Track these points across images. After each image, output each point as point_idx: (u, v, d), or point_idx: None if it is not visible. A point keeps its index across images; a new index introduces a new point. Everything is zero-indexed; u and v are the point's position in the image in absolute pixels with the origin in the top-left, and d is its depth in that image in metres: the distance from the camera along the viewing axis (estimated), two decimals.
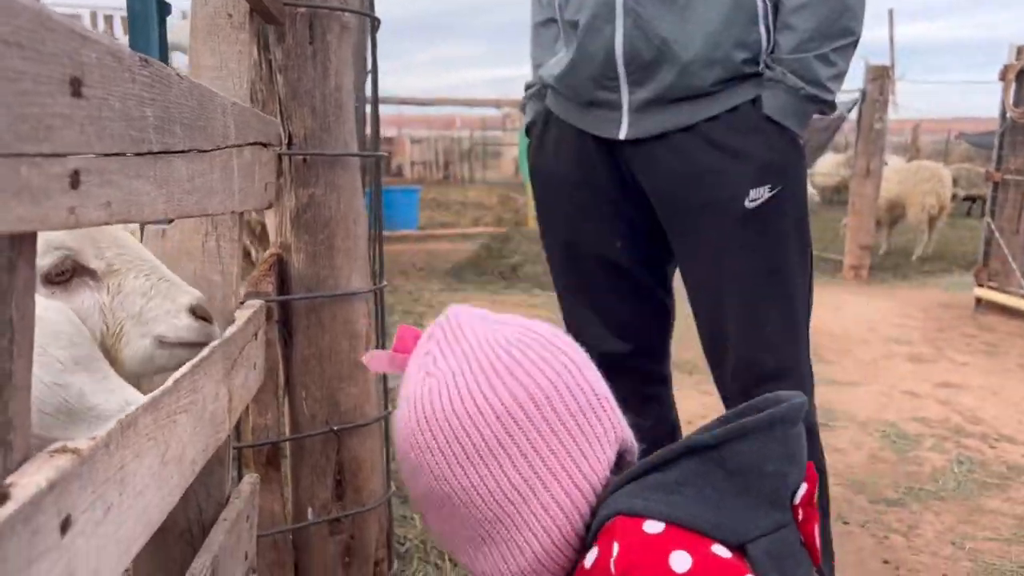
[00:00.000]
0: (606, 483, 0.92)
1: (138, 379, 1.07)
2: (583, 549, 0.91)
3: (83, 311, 1.01)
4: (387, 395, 1.53)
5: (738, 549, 0.83)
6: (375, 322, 1.48)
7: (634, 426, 2.23)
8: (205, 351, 0.90)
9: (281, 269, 1.41)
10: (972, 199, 13.29)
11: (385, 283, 1.49)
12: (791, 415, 0.89)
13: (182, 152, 0.72)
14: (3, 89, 0.41)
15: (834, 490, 3.05)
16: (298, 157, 1.36)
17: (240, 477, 1.37)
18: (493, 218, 11.68)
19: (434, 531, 0.99)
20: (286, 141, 1.35)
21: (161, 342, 1.04)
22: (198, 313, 1.05)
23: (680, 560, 0.79)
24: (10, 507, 0.46)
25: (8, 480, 0.49)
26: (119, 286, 1.04)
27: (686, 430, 2.33)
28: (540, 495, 0.90)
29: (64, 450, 0.54)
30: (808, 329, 1.94)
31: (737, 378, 1.87)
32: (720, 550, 0.81)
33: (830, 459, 3.43)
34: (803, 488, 0.89)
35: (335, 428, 1.43)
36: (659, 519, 0.83)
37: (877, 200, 8.27)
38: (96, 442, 0.58)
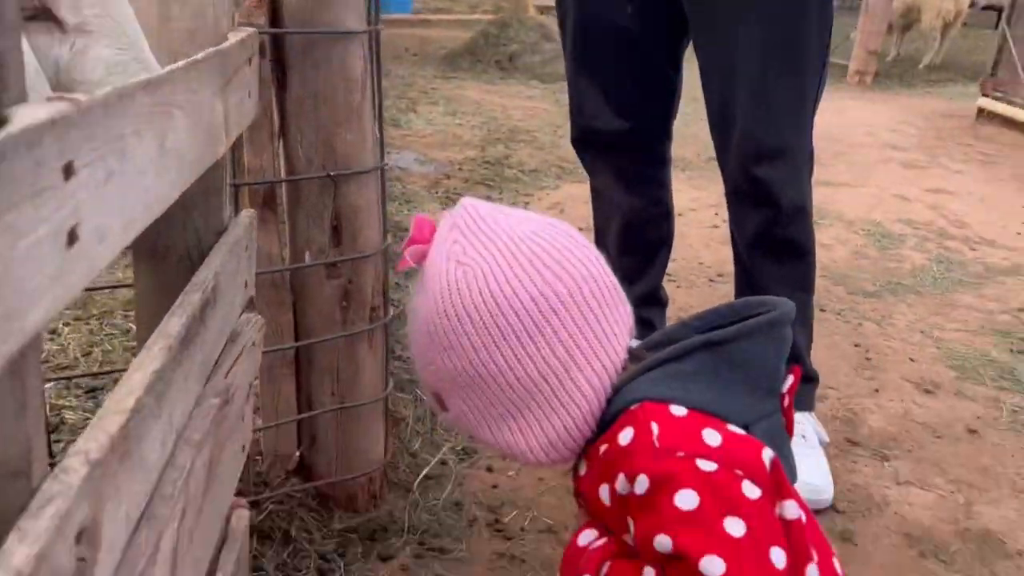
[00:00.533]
0: (624, 368, 1.02)
1: None
2: (598, 431, 1.01)
3: (33, 55, 0.91)
4: (383, 147, 1.52)
5: (744, 430, 0.95)
6: (371, 66, 1.44)
7: (630, 207, 2.24)
8: (199, 55, 0.88)
9: (273, 3, 1.35)
10: (993, 8, 12.73)
11: (381, 25, 1.44)
12: (786, 319, 1.01)
13: None
14: None
15: (816, 282, 3.14)
16: None
17: (237, 208, 1.38)
18: (491, 4, 11.15)
19: (452, 413, 1.07)
20: None
21: None
22: None
23: (711, 436, 0.91)
24: (12, 128, 0.46)
25: (6, 111, 0.48)
26: (85, 48, 0.94)
27: (678, 221, 2.35)
28: (573, 375, 0.99)
29: (61, 98, 0.54)
30: (814, 112, 1.91)
31: (738, 154, 1.86)
32: (736, 429, 0.94)
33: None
34: (789, 380, 1.03)
35: (332, 174, 1.42)
36: (682, 404, 0.94)
37: (892, 3, 7.92)
38: (94, 99, 0.57)
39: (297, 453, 1.64)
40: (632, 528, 0.93)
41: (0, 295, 0.45)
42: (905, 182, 4.76)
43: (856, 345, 2.72)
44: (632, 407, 0.96)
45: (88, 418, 1.81)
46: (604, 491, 0.98)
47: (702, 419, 0.94)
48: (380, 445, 1.69)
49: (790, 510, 0.94)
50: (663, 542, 0.87)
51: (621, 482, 0.94)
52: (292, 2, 1.34)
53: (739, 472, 0.89)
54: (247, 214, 1.25)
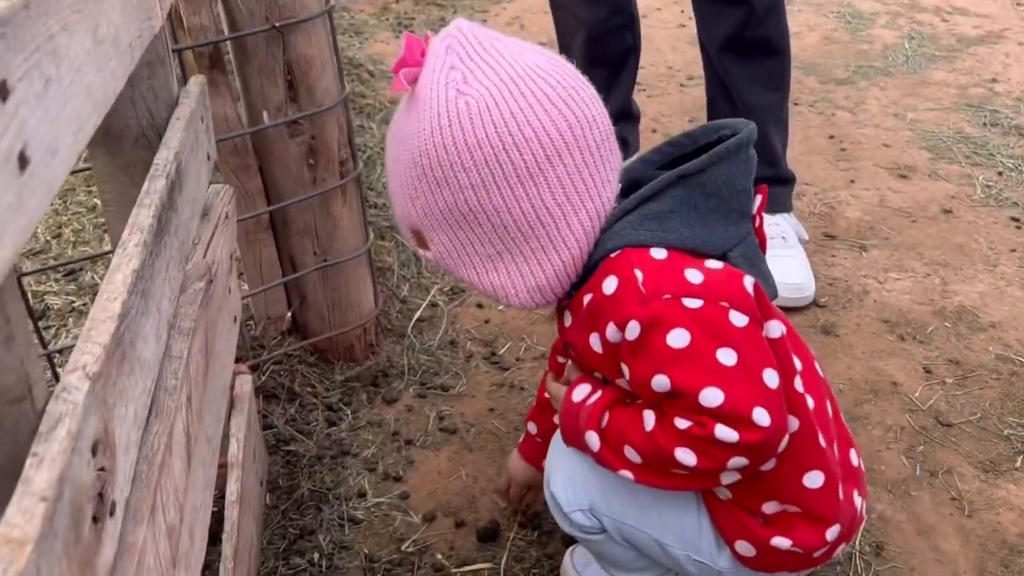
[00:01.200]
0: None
1: None
2: (581, 277, 0.99)
3: None
4: None
5: (722, 258, 0.96)
6: None
7: (593, 19, 2.16)
8: None
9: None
10: None
11: None
12: (749, 139, 0.98)
13: None
14: None
15: None
16: None
17: (185, 76, 1.31)
18: None
19: (434, 252, 1.02)
20: None
21: None
22: None
23: (693, 275, 0.91)
24: None
25: None
26: None
27: (642, 24, 2.26)
28: (569, 218, 0.95)
29: None
30: None
31: None
32: (713, 263, 0.94)
33: None
34: (758, 200, 1.02)
35: (277, 24, 1.34)
36: (661, 246, 0.93)
37: None
38: (13, 3, 0.51)
39: (289, 313, 1.66)
40: (627, 373, 0.95)
41: None
42: None
43: (831, 137, 2.71)
44: (613, 255, 0.95)
45: (72, 301, 1.81)
46: (595, 340, 0.99)
47: (683, 259, 0.94)
48: (369, 296, 1.71)
49: (773, 329, 0.98)
50: (661, 382, 0.90)
51: (611, 330, 0.94)
52: None
53: (724, 304, 0.90)
54: (196, 81, 1.19)
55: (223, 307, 1.18)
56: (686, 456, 0.90)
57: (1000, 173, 2.49)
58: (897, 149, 2.63)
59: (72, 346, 1.59)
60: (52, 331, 1.72)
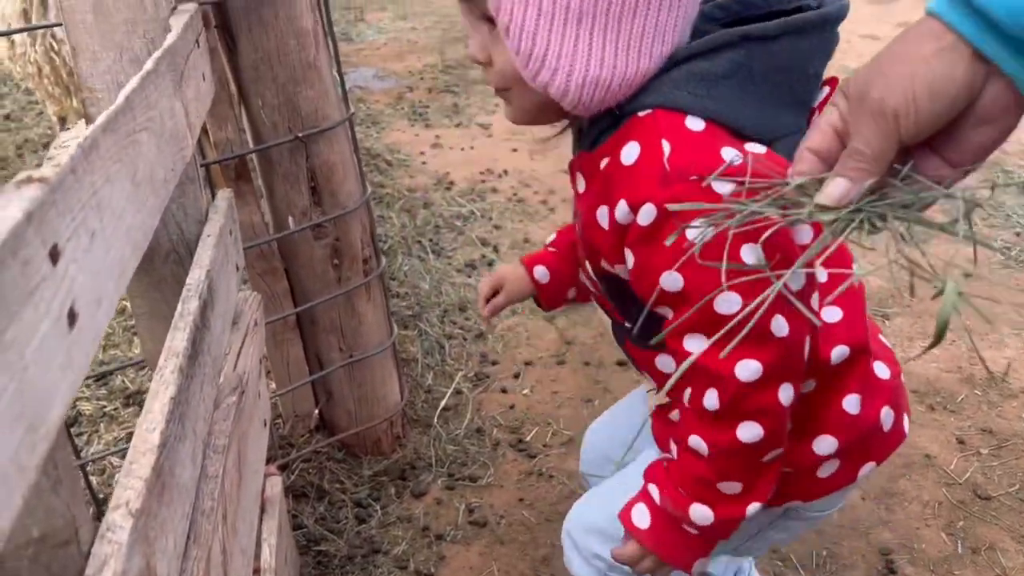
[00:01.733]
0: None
1: None
2: (607, 126, 0.86)
3: None
4: (346, 97, 1.47)
5: (767, 146, 0.82)
6: (321, 14, 1.38)
7: None
8: (149, 63, 0.84)
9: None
10: None
11: None
12: (839, 16, 0.84)
13: None
14: None
15: None
16: None
17: (213, 195, 1.36)
18: None
19: (509, 13, 0.82)
20: None
21: None
22: None
23: (730, 155, 0.78)
24: None
25: None
26: None
27: None
28: (670, 24, 0.81)
29: (30, 180, 0.51)
30: None
31: None
32: (755, 147, 0.81)
33: None
34: (824, 92, 0.87)
35: (300, 135, 1.39)
36: (700, 115, 0.81)
37: None
38: (62, 168, 0.54)
39: (316, 411, 1.67)
40: (630, 262, 0.85)
41: (20, 410, 0.45)
42: (874, 19, 4.66)
43: None
44: (642, 114, 0.82)
45: (103, 406, 1.83)
46: (602, 214, 0.87)
47: (722, 136, 0.80)
48: (395, 388, 1.72)
49: (803, 234, 0.85)
50: (672, 281, 0.79)
51: (622, 209, 0.83)
52: None
53: None
54: (224, 196, 1.22)
55: (254, 415, 1.19)
56: (750, 430, 0.82)
57: (1018, 234, 2.50)
58: None
59: (104, 454, 1.60)
60: (84, 437, 1.73)
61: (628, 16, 0.80)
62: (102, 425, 1.75)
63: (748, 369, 0.80)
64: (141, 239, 0.72)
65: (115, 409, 1.78)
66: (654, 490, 0.92)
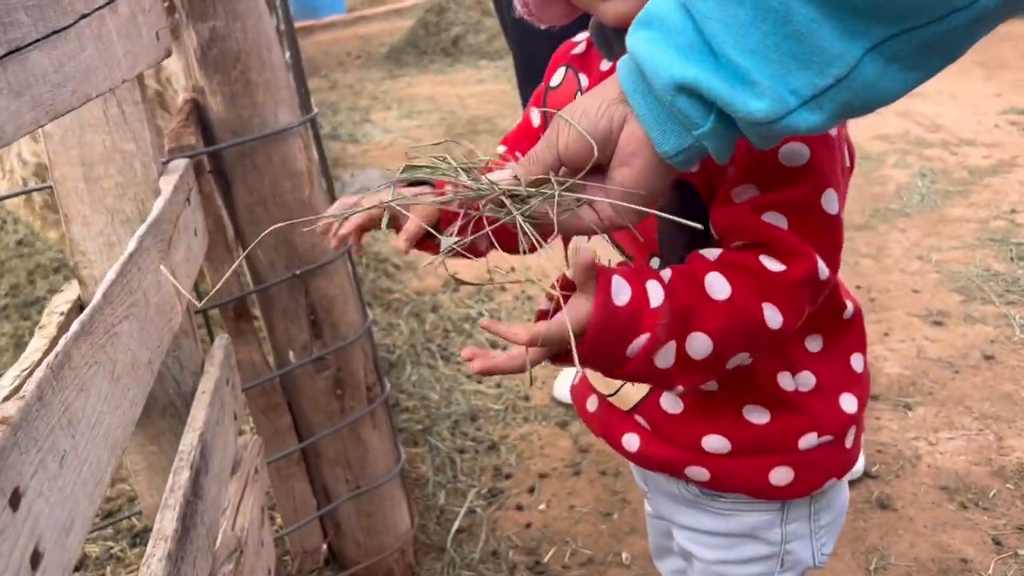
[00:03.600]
0: None
1: None
2: None
3: None
4: None
5: None
6: (313, 153, 1.39)
7: None
8: (132, 243, 0.83)
9: (200, 115, 1.30)
10: None
11: (316, 111, 1.38)
12: None
13: (36, 43, 0.61)
14: None
15: None
16: None
17: (212, 336, 1.35)
18: None
19: None
20: None
21: None
22: None
23: None
24: None
25: None
26: None
27: None
28: None
29: None
30: None
31: None
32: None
33: None
34: None
35: (298, 272, 1.38)
36: None
37: None
38: (26, 401, 0.53)
39: (324, 545, 1.62)
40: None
41: None
42: None
43: (857, 287, 2.69)
44: None
45: (110, 547, 1.79)
46: None
47: None
48: (405, 515, 1.67)
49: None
50: (798, 150, 0.76)
51: None
52: (220, 112, 1.28)
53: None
54: (221, 344, 1.21)
55: (256, 568, 1.16)
56: (774, 315, 0.75)
57: None
58: (927, 294, 2.61)
59: None
60: None
61: None
62: (108, 568, 1.71)
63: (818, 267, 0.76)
64: (121, 437, 0.70)
65: (122, 550, 1.75)
66: (658, 303, 0.74)
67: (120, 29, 0.86)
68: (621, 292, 0.72)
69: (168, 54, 1.08)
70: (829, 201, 0.78)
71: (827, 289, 0.79)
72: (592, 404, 1.04)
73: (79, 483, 0.59)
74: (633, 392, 0.96)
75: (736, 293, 0.75)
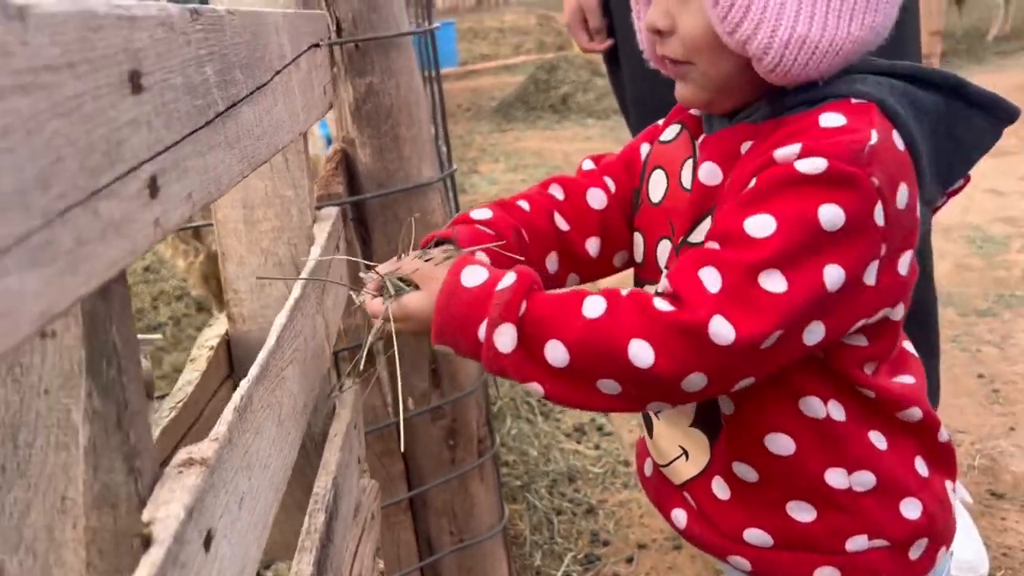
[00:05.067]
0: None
1: None
2: (800, 86, 0.81)
3: None
4: None
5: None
6: (449, 208, 1.42)
7: None
8: (296, 290, 0.86)
9: (348, 165, 1.35)
10: None
11: (455, 167, 1.42)
12: (1014, 117, 0.86)
13: (246, 98, 0.65)
14: (65, 126, 0.34)
15: None
16: (350, 45, 1.26)
17: (339, 377, 1.38)
18: (535, 43, 11.20)
19: None
20: (334, 28, 1.24)
21: None
22: None
23: (903, 194, 0.77)
24: (156, 552, 0.44)
25: (145, 516, 0.47)
26: None
27: None
28: None
29: (191, 463, 0.52)
30: None
31: None
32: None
33: None
34: (959, 183, 0.88)
35: None
36: (904, 138, 0.78)
37: None
38: (220, 442, 0.55)
39: None
40: (723, 211, 0.78)
41: None
42: (996, 173, 4.53)
43: (980, 376, 2.57)
44: (855, 99, 0.78)
45: None
46: (707, 170, 0.84)
47: (912, 166, 0.79)
48: (504, 573, 1.66)
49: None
50: (764, 222, 0.72)
51: (782, 153, 0.74)
52: (367, 163, 1.33)
53: (891, 251, 0.77)
54: (351, 388, 1.24)
55: None
56: (640, 352, 0.72)
57: None
58: None
59: None
60: None
61: None
62: None
63: (722, 324, 0.72)
64: (281, 479, 0.72)
65: None
66: (508, 284, 0.77)
67: (300, 84, 0.90)
68: (473, 275, 0.78)
69: (331, 107, 1.13)
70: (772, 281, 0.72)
71: (738, 354, 0.72)
72: (648, 468, 1.03)
73: (251, 526, 0.61)
74: (684, 468, 0.94)
75: (604, 318, 0.74)
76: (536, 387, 0.77)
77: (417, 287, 0.82)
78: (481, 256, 0.87)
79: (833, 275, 0.72)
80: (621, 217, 1.00)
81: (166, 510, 0.47)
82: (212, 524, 0.51)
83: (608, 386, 0.75)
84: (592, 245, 0.99)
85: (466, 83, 8.99)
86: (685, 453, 0.93)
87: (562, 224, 0.97)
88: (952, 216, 3.93)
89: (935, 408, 1.91)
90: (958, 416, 2.35)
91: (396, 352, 0.81)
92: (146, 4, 0.45)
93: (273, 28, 0.77)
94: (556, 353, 0.74)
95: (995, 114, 0.84)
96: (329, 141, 2.61)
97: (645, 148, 1.00)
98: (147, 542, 0.45)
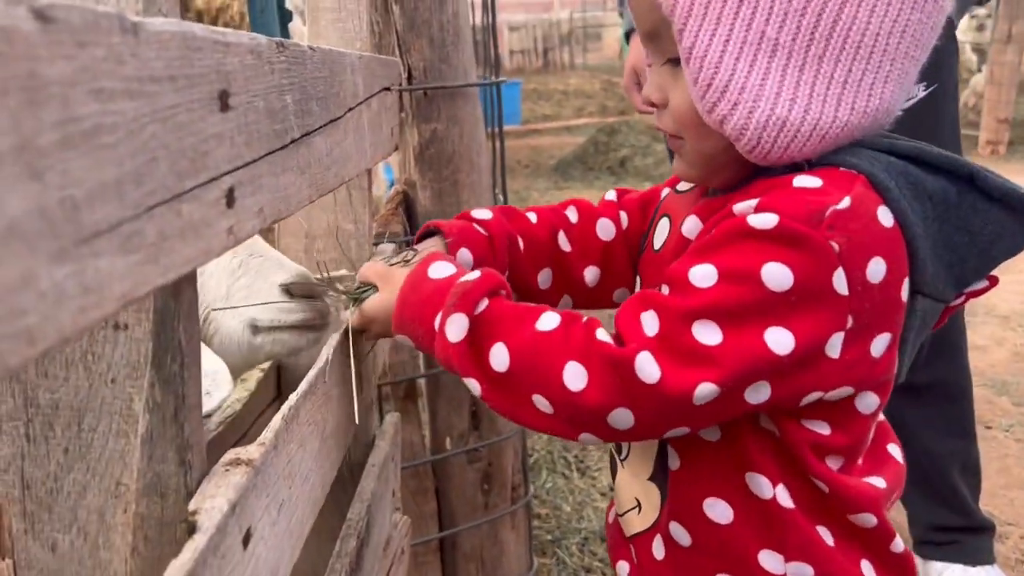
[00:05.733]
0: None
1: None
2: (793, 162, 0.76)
3: None
4: None
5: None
6: None
7: None
8: (350, 316, 0.90)
9: (408, 206, 1.39)
10: None
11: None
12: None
13: (320, 129, 0.69)
14: (161, 131, 0.38)
15: (975, 391, 2.92)
16: (418, 92, 1.32)
17: (381, 410, 1.40)
18: (597, 107, 11.37)
19: (692, 35, 0.74)
20: (405, 75, 1.30)
21: (255, 327, 0.94)
22: (295, 292, 0.94)
23: (877, 267, 0.72)
24: (200, 539, 0.46)
25: (192, 506, 0.49)
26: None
27: None
28: (891, 61, 0.74)
29: (238, 462, 0.54)
30: None
31: None
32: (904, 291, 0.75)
33: (969, 356, 3.27)
34: (983, 284, 0.81)
35: None
36: (894, 215, 0.73)
37: (1020, 67, 7.58)
38: (266, 447, 0.57)
39: None
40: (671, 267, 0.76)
41: None
42: None
43: None
44: (844, 167, 0.74)
45: None
46: (689, 223, 0.82)
47: (901, 246, 0.73)
48: None
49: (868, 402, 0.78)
50: (706, 272, 0.70)
51: (740, 207, 0.73)
52: (426, 206, 1.38)
53: (860, 327, 0.71)
54: (391, 421, 1.26)
55: None
56: (574, 375, 0.72)
57: None
58: None
59: None
60: None
61: (831, 58, 0.73)
62: None
63: (648, 362, 0.71)
64: (320, 494, 0.74)
65: None
66: (472, 279, 0.78)
67: (370, 123, 0.95)
68: (440, 269, 0.80)
69: (396, 148, 1.18)
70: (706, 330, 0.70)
71: (666, 400, 0.70)
72: (612, 515, 1.00)
73: (287, 533, 0.63)
74: (635, 520, 0.91)
75: (553, 334, 0.74)
76: (475, 385, 0.76)
77: (377, 289, 0.85)
78: (464, 257, 0.90)
79: (780, 339, 0.69)
80: (625, 253, 1.01)
81: (212, 503, 0.50)
82: (252, 523, 0.54)
83: (541, 403, 0.74)
84: (590, 273, 1.00)
85: (527, 141, 9.15)
86: (639, 506, 0.91)
87: (564, 244, 0.99)
88: (1011, 304, 3.84)
89: (978, 492, 1.88)
90: (1008, 508, 2.27)
91: (353, 361, 0.82)
92: (238, 32, 0.50)
93: (349, 68, 0.82)
94: (499, 357, 0.75)
95: (1019, 211, 0.77)
96: (392, 185, 2.69)
97: (665, 192, 0.99)
98: (192, 529, 0.47)
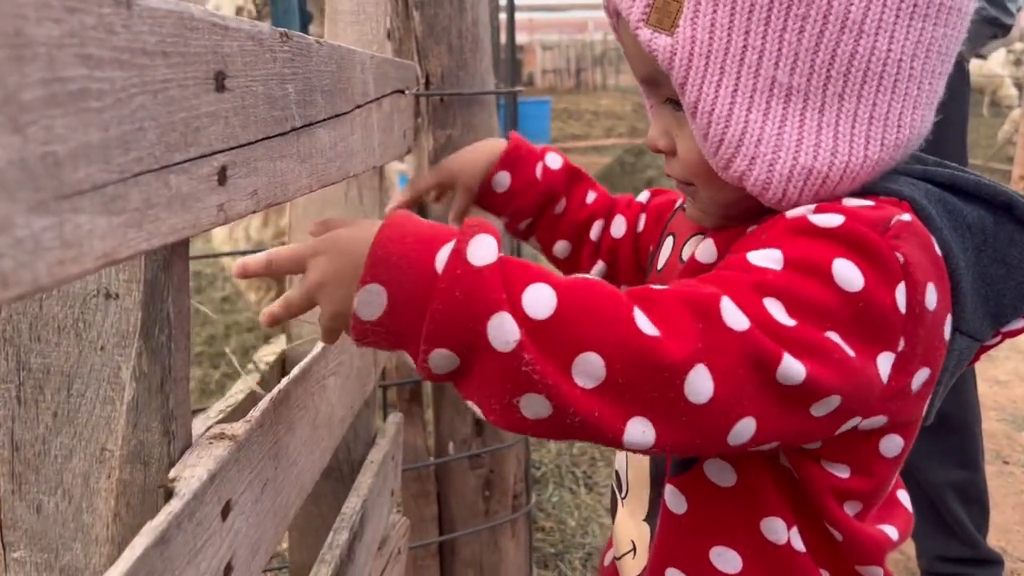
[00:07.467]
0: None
1: None
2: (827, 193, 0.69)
3: None
4: None
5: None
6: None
7: None
8: None
9: (420, 212, 1.41)
10: None
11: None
12: None
13: (323, 121, 0.71)
14: (150, 103, 0.40)
15: (994, 426, 2.88)
16: (435, 97, 1.34)
17: (386, 412, 1.42)
18: (627, 128, 11.40)
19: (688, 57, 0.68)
20: (422, 81, 1.32)
21: None
22: None
23: (931, 294, 0.65)
24: (175, 504, 0.48)
25: (172, 474, 0.51)
26: None
27: None
28: (913, 95, 0.69)
29: (222, 436, 0.56)
30: None
31: None
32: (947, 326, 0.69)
33: (990, 391, 3.23)
34: (1020, 323, 0.75)
35: None
36: (943, 247, 0.67)
37: None
38: (252, 424, 0.59)
39: None
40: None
41: None
42: None
43: None
44: (885, 195, 0.69)
45: None
46: (705, 249, 0.76)
47: (947, 278, 0.67)
48: None
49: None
50: (770, 255, 0.62)
51: (794, 212, 0.67)
52: (437, 213, 1.39)
53: (909, 355, 0.64)
54: (394, 421, 1.27)
55: None
56: (700, 378, 0.56)
57: None
58: None
59: None
60: None
61: (852, 94, 0.67)
62: None
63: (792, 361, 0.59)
64: (308, 481, 0.75)
65: None
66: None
67: (380, 122, 0.97)
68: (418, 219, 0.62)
69: (409, 151, 1.19)
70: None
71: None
72: (609, 558, 0.95)
73: (271, 513, 0.64)
74: (630, 565, 0.87)
75: (598, 282, 0.60)
76: (512, 328, 0.54)
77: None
78: (502, 179, 0.97)
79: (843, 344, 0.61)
80: (631, 255, 1.00)
81: (192, 471, 0.51)
82: (232, 496, 0.55)
83: (588, 365, 0.55)
84: (596, 271, 1.03)
85: None
86: (634, 549, 0.86)
87: (593, 233, 1.03)
88: None
89: (985, 525, 1.85)
90: (1022, 544, 2.24)
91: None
92: (239, 19, 0.51)
93: (359, 66, 0.84)
94: (539, 296, 0.56)
95: None
96: None
97: (679, 204, 0.93)
98: (169, 495, 0.48)
